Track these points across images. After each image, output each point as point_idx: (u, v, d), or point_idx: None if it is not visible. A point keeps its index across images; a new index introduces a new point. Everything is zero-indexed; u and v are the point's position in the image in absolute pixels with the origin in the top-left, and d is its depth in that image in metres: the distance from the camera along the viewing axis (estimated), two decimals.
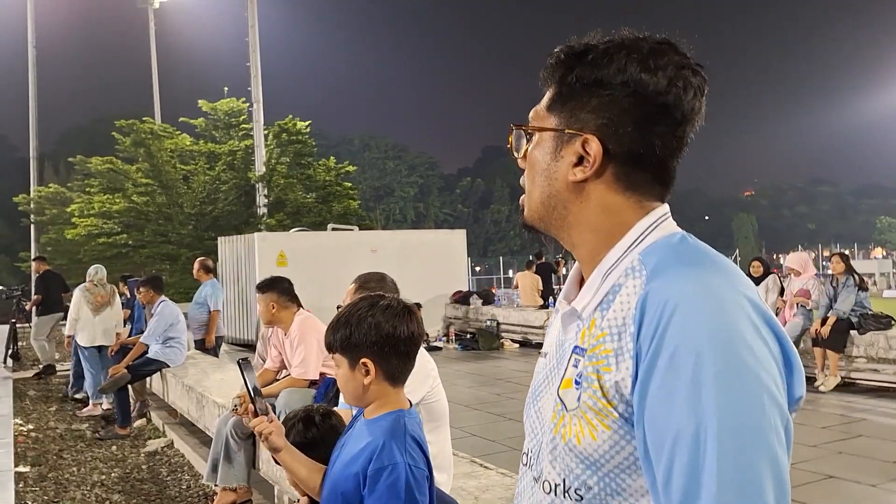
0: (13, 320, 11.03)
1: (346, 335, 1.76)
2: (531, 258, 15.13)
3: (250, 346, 11.77)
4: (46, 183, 22.40)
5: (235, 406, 4.35)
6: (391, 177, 65.38)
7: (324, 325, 4.54)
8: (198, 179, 19.34)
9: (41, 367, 10.15)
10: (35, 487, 5.22)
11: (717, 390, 0.82)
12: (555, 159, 1.02)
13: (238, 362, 2.07)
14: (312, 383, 4.46)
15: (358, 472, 1.71)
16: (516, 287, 15.02)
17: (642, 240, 0.99)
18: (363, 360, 1.75)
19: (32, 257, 11.01)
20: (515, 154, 1.09)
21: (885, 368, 7.53)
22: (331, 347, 1.82)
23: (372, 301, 1.83)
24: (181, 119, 21.45)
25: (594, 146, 0.98)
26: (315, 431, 2.22)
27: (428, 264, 12.95)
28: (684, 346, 0.84)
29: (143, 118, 20.25)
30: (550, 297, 13.29)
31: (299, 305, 4.69)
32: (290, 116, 20.27)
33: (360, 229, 15.82)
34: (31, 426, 7.15)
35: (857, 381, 7.76)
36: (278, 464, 2.07)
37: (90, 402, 7.94)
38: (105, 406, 7.78)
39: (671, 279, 0.92)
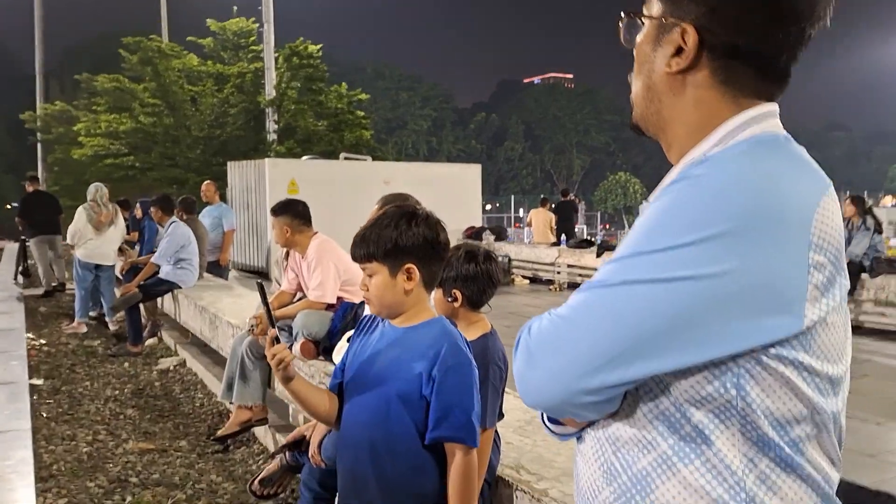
0: (22, 238, 11.02)
1: (391, 240, 1.73)
2: (544, 196, 15.13)
3: (260, 273, 11.76)
4: (52, 100, 22.05)
5: (252, 327, 4.33)
6: (404, 108, 64.49)
7: (342, 250, 4.48)
8: (206, 101, 18.95)
9: (51, 286, 10.10)
10: (49, 400, 5.25)
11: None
12: (654, 49, 0.97)
13: (257, 284, 1.99)
14: (329, 307, 4.39)
15: (421, 373, 1.72)
16: (529, 224, 14.94)
17: (734, 137, 0.91)
18: (408, 265, 1.74)
19: (27, 176, 10.87)
20: (626, 45, 1.04)
21: (892, 312, 7.53)
22: (369, 256, 1.76)
23: (410, 210, 1.82)
24: (189, 38, 20.92)
25: (691, 37, 0.92)
26: (473, 267, 2.23)
27: (441, 198, 12.64)
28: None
29: (150, 36, 19.74)
30: (564, 235, 13.31)
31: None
32: (301, 39, 19.71)
33: (373, 160, 15.61)
34: (43, 341, 7.17)
35: (864, 324, 7.75)
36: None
37: (78, 319, 7.83)
38: (81, 325, 7.73)
39: (715, 163, 0.87)
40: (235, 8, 21.32)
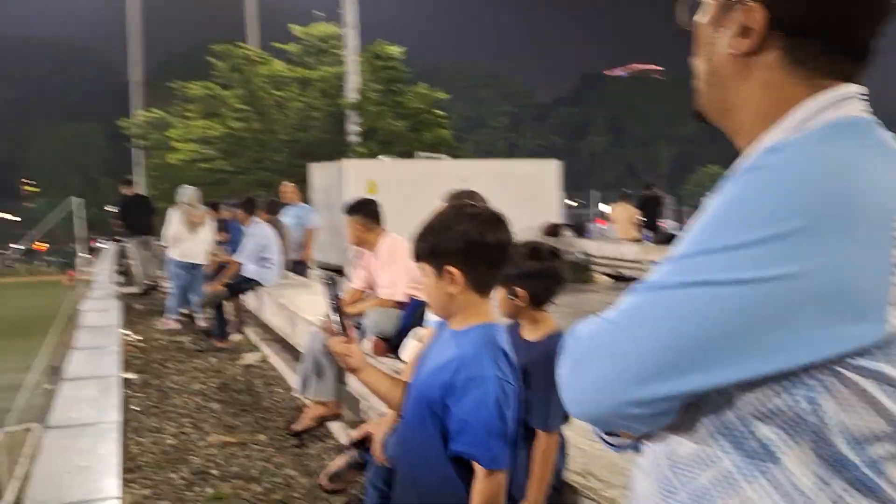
0: (119, 238, 11.64)
1: (432, 242, 1.70)
2: (624, 191, 14.77)
3: (339, 271, 11.99)
4: (148, 107, 23.22)
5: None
6: (483, 106, 64.47)
7: None
8: (291, 106, 19.50)
9: (146, 284, 10.62)
10: (140, 393, 5.50)
11: None
12: (716, 30, 0.89)
13: (322, 281, 2.01)
14: (400, 305, 4.42)
15: (445, 382, 1.64)
16: (612, 219, 14.63)
17: (808, 123, 0.82)
18: (448, 267, 1.67)
19: (121, 180, 11.44)
20: (685, 26, 0.97)
21: None
22: (418, 256, 1.75)
23: (458, 209, 1.76)
24: (273, 44, 21.57)
25: (759, 15, 0.84)
26: (537, 264, 2.20)
27: (519, 195, 12.67)
28: None
29: (238, 43, 20.46)
30: (648, 231, 12.98)
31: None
32: (382, 41, 20.00)
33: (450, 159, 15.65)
34: (137, 337, 7.53)
35: None
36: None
37: (168, 316, 8.19)
38: (174, 322, 8.09)
39: (786, 152, 0.79)
40: (318, 13, 21.86)
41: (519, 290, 2.19)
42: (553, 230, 13.19)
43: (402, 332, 4.23)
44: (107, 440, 3.43)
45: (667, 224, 18.55)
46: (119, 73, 70.65)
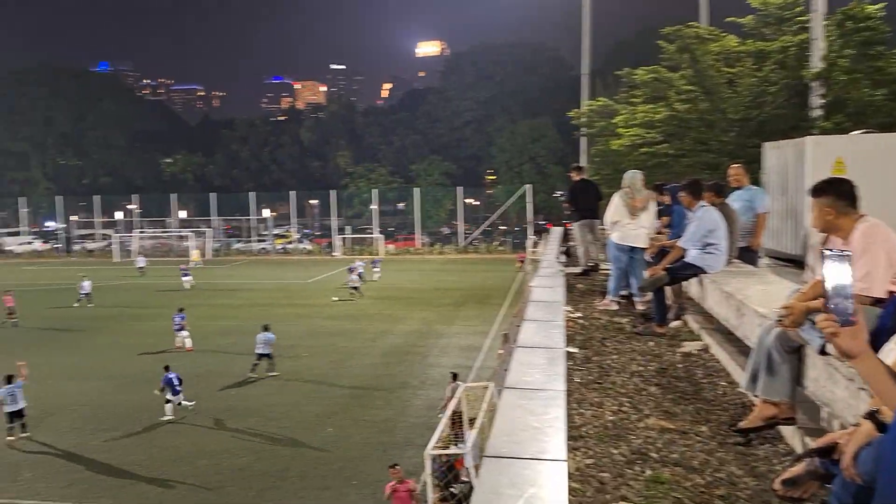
0: (564, 221, 12.44)
1: None
2: None
3: (794, 261, 10.86)
4: (596, 97, 24.31)
5: (780, 318, 3.95)
6: None
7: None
8: (743, 82, 18.36)
9: (587, 266, 11.14)
10: (582, 367, 5.75)
11: None
12: None
13: (824, 253, 1.80)
14: (878, 301, 3.72)
15: None
16: None
17: None
18: None
19: (570, 167, 12.07)
20: None
21: None
22: None
23: None
24: (727, 19, 20.51)
25: None
26: None
27: None
28: None
29: (688, 23, 20.00)
30: None
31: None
32: (856, 1, 17.39)
33: None
34: (578, 314, 7.92)
35: None
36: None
37: (609, 297, 8.38)
38: (612, 303, 8.22)
39: None
40: None
41: None
42: None
43: (878, 335, 3.56)
44: (555, 406, 3.61)
45: None
46: (570, 67, 76.11)
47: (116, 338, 26.24)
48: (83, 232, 66.48)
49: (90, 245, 64.49)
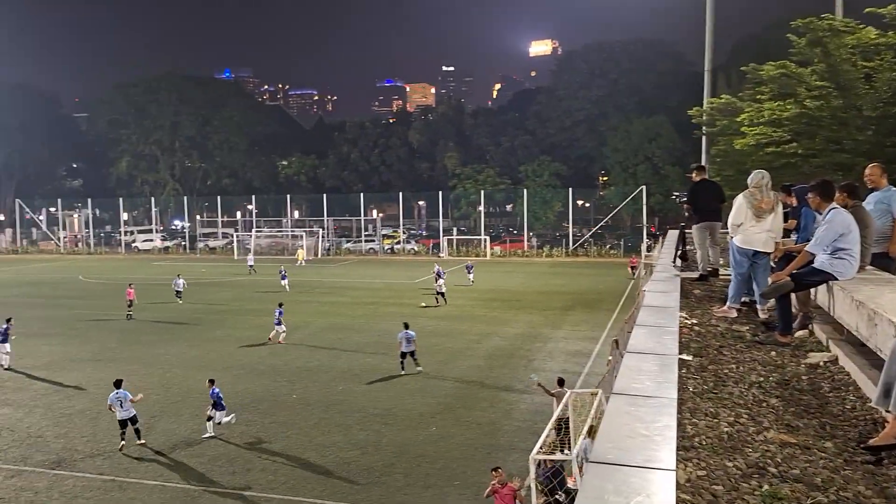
0: (682, 224, 11.96)
1: None
2: None
3: None
4: (718, 94, 23.22)
5: None
6: None
7: None
8: (882, 77, 16.99)
9: (706, 270, 10.67)
10: (696, 376, 5.50)
11: None
12: None
13: None
14: None
15: None
16: None
17: None
18: None
19: (690, 167, 11.57)
20: None
21: None
22: None
23: None
24: (866, 10, 19.07)
25: None
26: None
27: None
28: None
29: (822, 15, 18.76)
30: None
31: None
32: None
33: None
34: (694, 321, 7.60)
35: None
36: None
37: (729, 304, 7.91)
38: (732, 309, 7.73)
39: None
40: None
41: None
42: None
43: None
44: (665, 414, 3.47)
45: None
46: (690, 63, 73.30)
47: (228, 331, 27.73)
48: (206, 230, 70.67)
49: (212, 243, 68.56)
